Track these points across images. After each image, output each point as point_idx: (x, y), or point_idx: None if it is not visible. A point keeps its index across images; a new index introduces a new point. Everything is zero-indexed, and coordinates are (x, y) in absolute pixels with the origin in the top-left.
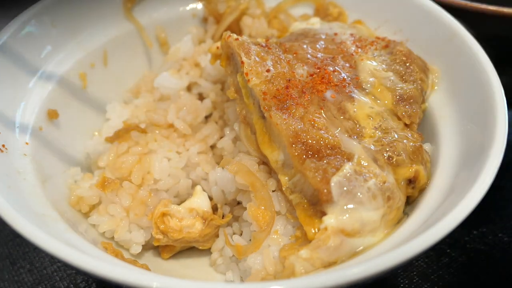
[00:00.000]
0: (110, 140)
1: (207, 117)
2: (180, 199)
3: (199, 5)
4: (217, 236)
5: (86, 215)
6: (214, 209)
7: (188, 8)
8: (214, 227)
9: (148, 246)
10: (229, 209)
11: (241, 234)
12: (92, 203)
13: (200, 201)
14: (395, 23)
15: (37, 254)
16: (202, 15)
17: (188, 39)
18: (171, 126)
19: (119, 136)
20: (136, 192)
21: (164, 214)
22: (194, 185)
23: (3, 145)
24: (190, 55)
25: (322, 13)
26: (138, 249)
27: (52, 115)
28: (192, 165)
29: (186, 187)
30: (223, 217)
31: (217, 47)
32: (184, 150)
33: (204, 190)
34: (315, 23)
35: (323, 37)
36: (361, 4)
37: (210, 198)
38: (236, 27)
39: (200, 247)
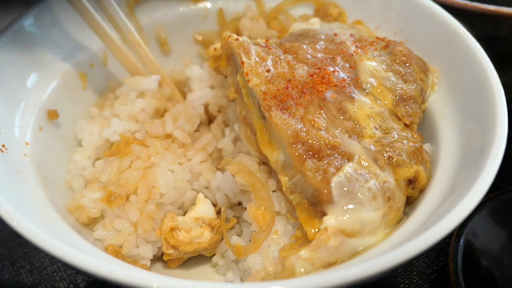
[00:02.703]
0: (109, 154)
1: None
2: (184, 210)
3: (199, 5)
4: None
5: (83, 224)
6: (217, 213)
7: (188, 8)
8: (222, 233)
9: (155, 258)
10: (233, 213)
11: (241, 235)
12: (92, 216)
13: (204, 209)
14: (395, 23)
15: (37, 254)
16: (203, 15)
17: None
18: (169, 136)
19: (119, 150)
20: (144, 207)
21: (172, 229)
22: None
23: (3, 145)
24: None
25: (322, 13)
26: (147, 264)
27: (52, 115)
28: (195, 175)
29: (191, 199)
30: (226, 220)
31: (215, 49)
32: (186, 160)
33: (206, 197)
34: (315, 23)
35: (323, 37)
36: (361, 5)
37: (213, 204)
38: (235, 30)
39: (208, 255)
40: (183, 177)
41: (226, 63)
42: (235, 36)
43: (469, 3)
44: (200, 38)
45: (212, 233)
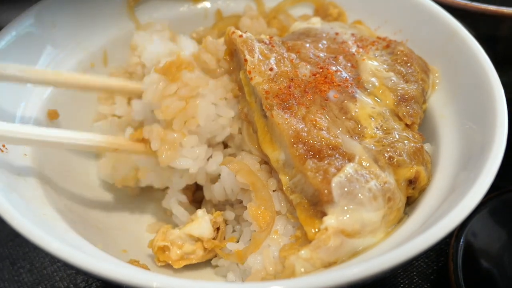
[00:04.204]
0: (160, 71)
1: None
2: (207, 178)
3: (199, 5)
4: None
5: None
6: (217, 229)
7: (188, 8)
8: (215, 252)
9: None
10: (233, 214)
11: (240, 235)
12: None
13: (201, 228)
14: (395, 23)
15: (37, 254)
16: (202, 15)
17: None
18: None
19: (169, 71)
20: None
21: (163, 249)
22: (212, 177)
23: (3, 145)
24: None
25: (322, 13)
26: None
27: (52, 115)
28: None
29: (216, 166)
30: (224, 238)
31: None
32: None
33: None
34: (316, 22)
35: (325, 36)
36: (361, 5)
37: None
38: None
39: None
40: (228, 115)
41: (229, 59)
42: (239, 32)
43: (469, 3)
44: (195, 36)
45: (205, 253)
